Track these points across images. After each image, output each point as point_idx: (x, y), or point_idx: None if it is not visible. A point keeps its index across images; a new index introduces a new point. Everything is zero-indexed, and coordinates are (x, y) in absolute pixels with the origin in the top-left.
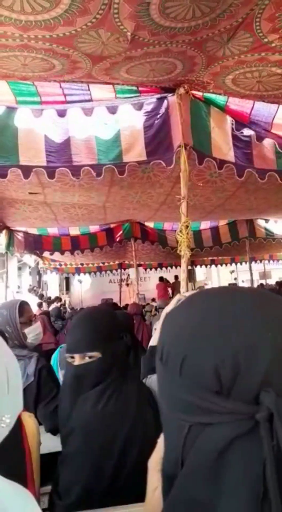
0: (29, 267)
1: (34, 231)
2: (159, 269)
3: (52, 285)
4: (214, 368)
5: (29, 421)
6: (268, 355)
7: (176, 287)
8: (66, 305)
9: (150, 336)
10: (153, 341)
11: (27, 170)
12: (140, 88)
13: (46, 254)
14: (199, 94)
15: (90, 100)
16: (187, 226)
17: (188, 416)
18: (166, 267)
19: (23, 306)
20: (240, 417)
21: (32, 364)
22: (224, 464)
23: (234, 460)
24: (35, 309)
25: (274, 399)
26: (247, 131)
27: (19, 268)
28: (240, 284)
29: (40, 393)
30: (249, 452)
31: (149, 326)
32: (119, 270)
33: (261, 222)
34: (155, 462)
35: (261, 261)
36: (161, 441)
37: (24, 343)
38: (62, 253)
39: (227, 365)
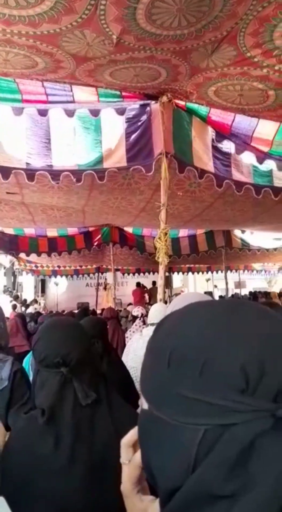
0: (4, 267)
1: (10, 231)
2: (136, 274)
3: (28, 287)
4: (241, 367)
5: None
6: None
7: (153, 293)
8: (42, 309)
9: (124, 342)
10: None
11: (6, 171)
12: (123, 94)
13: (22, 255)
14: (181, 103)
15: (72, 102)
16: (166, 233)
17: (203, 420)
18: (144, 273)
19: None
20: (262, 414)
21: (6, 367)
22: (250, 458)
23: (260, 454)
24: (9, 311)
25: None
26: (227, 143)
27: None
28: (215, 292)
29: (13, 397)
30: (273, 446)
31: (124, 331)
32: (96, 274)
33: (237, 233)
34: (129, 489)
35: (236, 270)
36: (129, 464)
37: (1, 346)
38: (38, 254)
39: (253, 362)
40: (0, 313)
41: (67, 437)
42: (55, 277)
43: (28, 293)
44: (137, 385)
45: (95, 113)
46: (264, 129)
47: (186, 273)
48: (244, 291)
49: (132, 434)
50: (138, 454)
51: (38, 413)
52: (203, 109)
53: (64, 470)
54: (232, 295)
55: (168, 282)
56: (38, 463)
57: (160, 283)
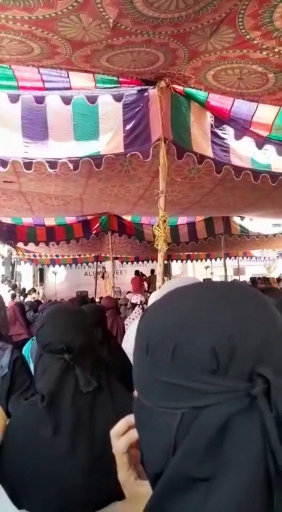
0: (2, 257)
1: (8, 220)
2: (135, 262)
3: (26, 276)
4: (211, 347)
5: None
6: (259, 332)
7: (151, 281)
8: (41, 298)
9: (124, 330)
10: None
11: (4, 161)
12: (120, 79)
13: (20, 244)
14: (179, 88)
15: (69, 88)
16: (165, 221)
17: (180, 403)
18: (142, 261)
19: None
20: (237, 394)
21: (6, 355)
22: (225, 440)
23: (235, 436)
24: (8, 300)
25: (270, 372)
26: (226, 128)
27: None
28: (215, 280)
29: (14, 385)
30: (249, 427)
31: (123, 319)
32: (95, 263)
33: (236, 219)
34: (124, 477)
35: (235, 257)
36: (121, 453)
37: (2, 333)
38: (37, 244)
39: (224, 343)
40: (0, 302)
41: (67, 423)
42: (54, 266)
43: (26, 283)
44: None
45: (92, 99)
46: (264, 113)
47: (184, 261)
48: (243, 278)
49: (121, 424)
50: (120, 441)
51: (38, 399)
52: (201, 94)
53: (64, 456)
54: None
55: (166, 270)
56: (38, 448)
57: (159, 271)
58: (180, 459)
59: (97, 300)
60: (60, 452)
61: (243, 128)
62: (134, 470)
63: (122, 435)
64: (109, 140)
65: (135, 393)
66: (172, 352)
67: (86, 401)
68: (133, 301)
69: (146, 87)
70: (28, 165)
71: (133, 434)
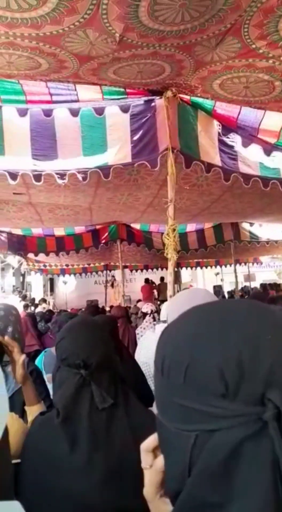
0: (13, 267)
1: (18, 231)
2: (144, 270)
3: (36, 286)
4: (219, 370)
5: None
6: (269, 355)
7: (161, 289)
8: (51, 307)
9: (135, 340)
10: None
11: (14, 173)
12: (127, 90)
13: (30, 255)
14: (186, 97)
15: (77, 101)
16: (174, 229)
17: (193, 426)
18: (152, 269)
19: None
20: (247, 419)
21: None
22: (235, 465)
23: (245, 461)
24: (20, 311)
25: (280, 397)
26: (233, 136)
27: (2, 269)
28: (225, 286)
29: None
30: (259, 452)
31: (135, 328)
32: (105, 272)
33: (246, 226)
34: (151, 493)
35: (245, 263)
36: (150, 469)
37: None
38: (47, 254)
39: (232, 366)
40: (18, 317)
41: (83, 440)
42: (64, 275)
43: (37, 293)
44: (150, 381)
45: (99, 111)
46: (271, 120)
47: (194, 268)
48: (254, 284)
49: (152, 439)
50: (160, 459)
51: (54, 414)
52: (208, 103)
53: (80, 472)
54: (242, 289)
55: (176, 278)
56: (54, 464)
57: (169, 279)
58: (193, 483)
59: (107, 308)
60: (76, 467)
61: (250, 135)
62: (162, 488)
63: (152, 451)
64: (117, 151)
65: (154, 407)
66: (184, 374)
67: (102, 417)
68: (144, 310)
69: (153, 97)
70: (37, 177)
71: None
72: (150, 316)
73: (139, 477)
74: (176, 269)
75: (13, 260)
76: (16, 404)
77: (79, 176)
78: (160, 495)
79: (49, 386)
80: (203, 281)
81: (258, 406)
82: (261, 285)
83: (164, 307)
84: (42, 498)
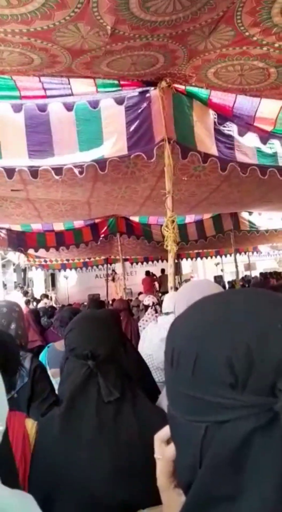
0: (14, 264)
1: (17, 227)
2: (145, 263)
3: (38, 282)
4: (227, 360)
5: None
6: (280, 345)
7: (162, 281)
8: (53, 303)
9: (138, 332)
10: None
11: (10, 171)
12: (121, 82)
13: (31, 250)
14: (181, 87)
15: (71, 95)
16: (173, 221)
17: (203, 417)
18: (152, 261)
19: None
20: (257, 410)
21: (26, 364)
22: (245, 457)
23: (256, 452)
24: (23, 307)
25: None
26: (229, 125)
27: (3, 266)
28: (226, 276)
29: (34, 393)
30: (270, 443)
31: (137, 321)
32: (105, 265)
33: (245, 215)
34: (164, 483)
35: (245, 253)
36: (162, 459)
37: (22, 343)
38: (47, 249)
39: (240, 356)
40: (21, 313)
41: (89, 431)
42: (65, 270)
43: (38, 288)
44: (154, 373)
45: (94, 104)
46: (267, 108)
47: (194, 259)
48: (254, 273)
49: (166, 430)
50: (169, 448)
51: (58, 410)
52: (203, 92)
53: (88, 466)
54: (242, 278)
55: (177, 269)
56: (61, 457)
57: (170, 271)
58: (205, 474)
59: (109, 302)
60: (84, 459)
61: (246, 124)
62: (175, 478)
63: (166, 441)
64: (113, 143)
65: (161, 401)
66: (193, 366)
67: (109, 411)
68: (146, 302)
69: (147, 88)
70: (34, 173)
71: None
72: (151, 308)
73: (145, 471)
74: (176, 261)
75: (14, 256)
76: (22, 400)
77: (76, 171)
78: (174, 486)
79: (54, 381)
80: (204, 272)
81: (268, 396)
82: (261, 274)
83: (166, 298)
84: (53, 492)
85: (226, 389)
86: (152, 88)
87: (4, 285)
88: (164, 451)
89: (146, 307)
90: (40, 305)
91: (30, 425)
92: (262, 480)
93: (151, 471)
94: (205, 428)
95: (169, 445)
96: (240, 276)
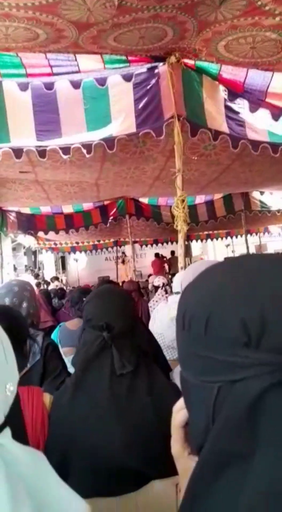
0: (24, 247)
1: (26, 210)
2: (154, 245)
3: (48, 264)
4: (240, 319)
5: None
6: None
7: (172, 262)
8: (63, 285)
9: (148, 313)
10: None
11: (18, 151)
12: (129, 58)
13: (40, 233)
14: (190, 62)
15: (78, 72)
16: (183, 200)
17: (216, 377)
18: (162, 243)
19: None
20: (270, 368)
21: (38, 342)
22: (259, 415)
23: (269, 411)
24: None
25: None
26: (240, 101)
27: (14, 249)
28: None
29: (46, 370)
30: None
31: (147, 302)
32: (115, 248)
33: (256, 195)
34: (178, 451)
35: (256, 233)
36: (173, 425)
37: (34, 322)
38: (56, 232)
39: (254, 315)
40: (32, 293)
41: (102, 402)
42: (74, 253)
43: (49, 271)
44: (165, 352)
45: (101, 81)
46: (280, 82)
47: (204, 240)
48: None
49: (182, 401)
50: (179, 414)
51: (71, 379)
52: (213, 67)
53: (101, 434)
54: None
55: (187, 251)
56: (75, 425)
57: (180, 252)
58: (217, 434)
59: (120, 284)
60: (97, 428)
61: (258, 100)
62: (189, 445)
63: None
64: (121, 122)
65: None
66: (205, 326)
67: (121, 382)
68: (156, 283)
69: (156, 63)
70: (42, 153)
71: None
72: (162, 289)
73: (159, 443)
74: (186, 242)
75: (24, 239)
76: (35, 376)
77: (84, 150)
78: (188, 453)
79: (66, 359)
80: (214, 254)
81: (281, 355)
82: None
83: (176, 278)
84: (68, 456)
85: (239, 348)
86: (161, 63)
87: (15, 268)
88: (173, 418)
89: (156, 288)
90: (51, 287)
91: (48, 399)
92: (277, 439)
93: (164, 443)
94: (217, 388)
95: (179, 412)
96: None
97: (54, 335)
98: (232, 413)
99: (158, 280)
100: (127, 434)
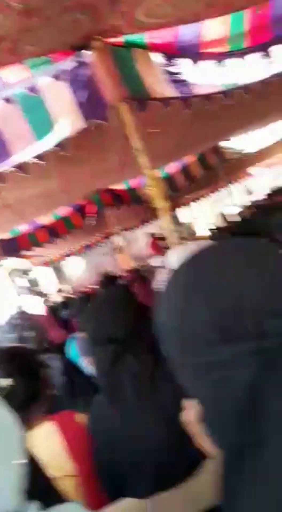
0: (18, 270)
1: (6, 236)
2: (143, 224)
3: (47, 279)
4: (210, 318)
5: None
6: (255, 289)
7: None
8: (69, 293)
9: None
10: None
11: None
12: (52, 56)
13: (27, 252)
14: (117, 40)
15: (7, 86)
16: (154, 178)
17: (206, 378)
18: (150, 221)
19: None
20: (250, 356)
21: (57, 363)
22: (258, 405)
23: (266, 396)
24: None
25: (279, 324)
26: (178, 61)
27: (9, 274)
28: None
29: (73, 390)
30: (274, 384)
31: (149, 283)
32: (106, 241)
33: (224, 144)
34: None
35: (240, 180)
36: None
37: (43, 345)
38: (41, 246)
39: (221, 310)
40: (26, 319)
41: (134, 407)
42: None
43: (50, 285)
44: None
45: (32, 88)
46: (213, 28)
47: (190, 205)
48: (257, 197)
49: None
50: (190, 411)
51: (100, 396)
52: (139, 37)
53: (146, 437)
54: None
55: (177, 222)
56: (118, 434)
57: (166, 227)
58: (225, 429)
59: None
60: (136, 433)
61: (195, 53)
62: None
63: None
64: (67, 122)
65: None
66: (181, 334)
67: (145, 381)
68: (154, 264)
69: (81, 52)
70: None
71: None
72: (161, 268)
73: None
74: (173, 213)
75: (17, 263)
76: (64, 398)
77: (38, 161)
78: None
79: (91, 369)
80: (206, 214)
81: (258, 340)
82: (269, 195)
83: (169, 254)
84: (120, 467)
85: (216, 345)
86: (87, 51)
87: (18, 294)
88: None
89: (156, 269)
90: (57, 299)
91: (82, 417)
92: (277, 423)
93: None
94: (211, 388)
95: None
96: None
97: (72, 348)
98: (233, 408)
99: (156, 260)
100: (168, 428)
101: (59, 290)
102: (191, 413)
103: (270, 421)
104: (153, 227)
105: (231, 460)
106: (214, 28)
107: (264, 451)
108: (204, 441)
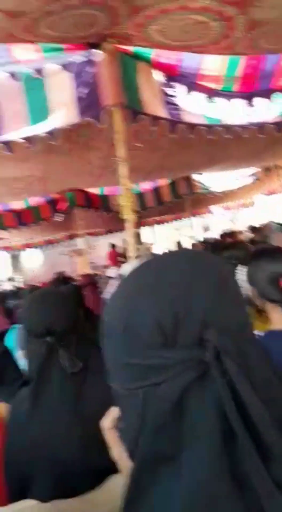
0: None
1: None
2: (107, 234)
3: (2, 264)
4: (155, 320)
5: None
6: (203, 299)
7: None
8: (21, 284)
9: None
10: None
11: None
12: (65, 46)
13: None
14: (126, 48)
15: (16, 63)
16: (129, 189)
17: (140, 382)
18: (113, 232)
19: None
20: (190, 364)
21: None
22: (182, 414)
23: (191, 408)
24: None
25: (216, 335)
26: (176, 85)
27: None
28: (186, 241)
29: (1, 377)
30: (203, 396)
31: (100, 292)
32: (68, 241)
33: (196, 177)
34: (117, 453)
35: (202, 215)
36: (106, 426)
37: None
38: (5, 229)
39: (166, 314)
40: None
41: (58, 405)
42: (28, 249)
43: (2, 271)
44: None
45: (39, 71)
46: (212, 64)
47: (154, 226)
48: (212, 235)
49: (115, 410)
50: (107, 417)
51: (25, 390)
52: (147, 52)
53: (60, 437)
54: (205, 240)
55: (138, 238)
56: (35, 434)
57: (129, 240)
58: (145, 438)
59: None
60: (55, 432)
61: (191, 82)
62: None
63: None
64: (62, 112)
65: None
66: (123, 334)
67: (75, 381)
68: (109, 274)
69: (92, 50)
70: None
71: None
72: (115, 280)
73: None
74: (136, 230)
75: None
76: None
77: (27, 145)
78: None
79: (24, 362)
80: (164, 239)
81: (197, 349)
82: (221, 235)
83: (124, 268)
84: (30, 468)
85: (157, 349)
86: (97, 50)
87: None
88: (102, 423)
89: (110, 279)
90: (8, 287)
91: (3, 407)
92: (199, 435)
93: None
94: (143, 394)
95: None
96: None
97: (9, 338)
98: (155, 417)
99: (111, 271)
100: (84, 432)
101: (11, 279)
102: (109, 419)
103: (188, 436)
104: (116, 239)
105: (143, 472)
106: (214, 65)
107: (178, 466)
108: (117, 451)
